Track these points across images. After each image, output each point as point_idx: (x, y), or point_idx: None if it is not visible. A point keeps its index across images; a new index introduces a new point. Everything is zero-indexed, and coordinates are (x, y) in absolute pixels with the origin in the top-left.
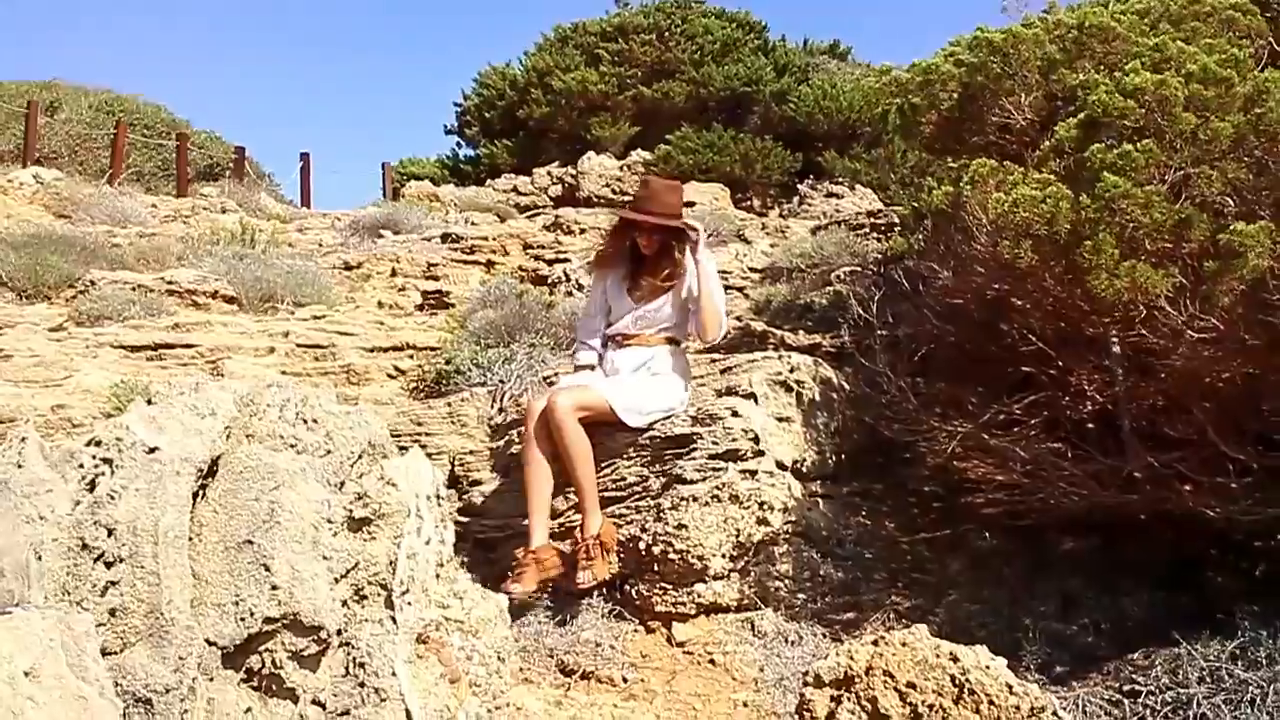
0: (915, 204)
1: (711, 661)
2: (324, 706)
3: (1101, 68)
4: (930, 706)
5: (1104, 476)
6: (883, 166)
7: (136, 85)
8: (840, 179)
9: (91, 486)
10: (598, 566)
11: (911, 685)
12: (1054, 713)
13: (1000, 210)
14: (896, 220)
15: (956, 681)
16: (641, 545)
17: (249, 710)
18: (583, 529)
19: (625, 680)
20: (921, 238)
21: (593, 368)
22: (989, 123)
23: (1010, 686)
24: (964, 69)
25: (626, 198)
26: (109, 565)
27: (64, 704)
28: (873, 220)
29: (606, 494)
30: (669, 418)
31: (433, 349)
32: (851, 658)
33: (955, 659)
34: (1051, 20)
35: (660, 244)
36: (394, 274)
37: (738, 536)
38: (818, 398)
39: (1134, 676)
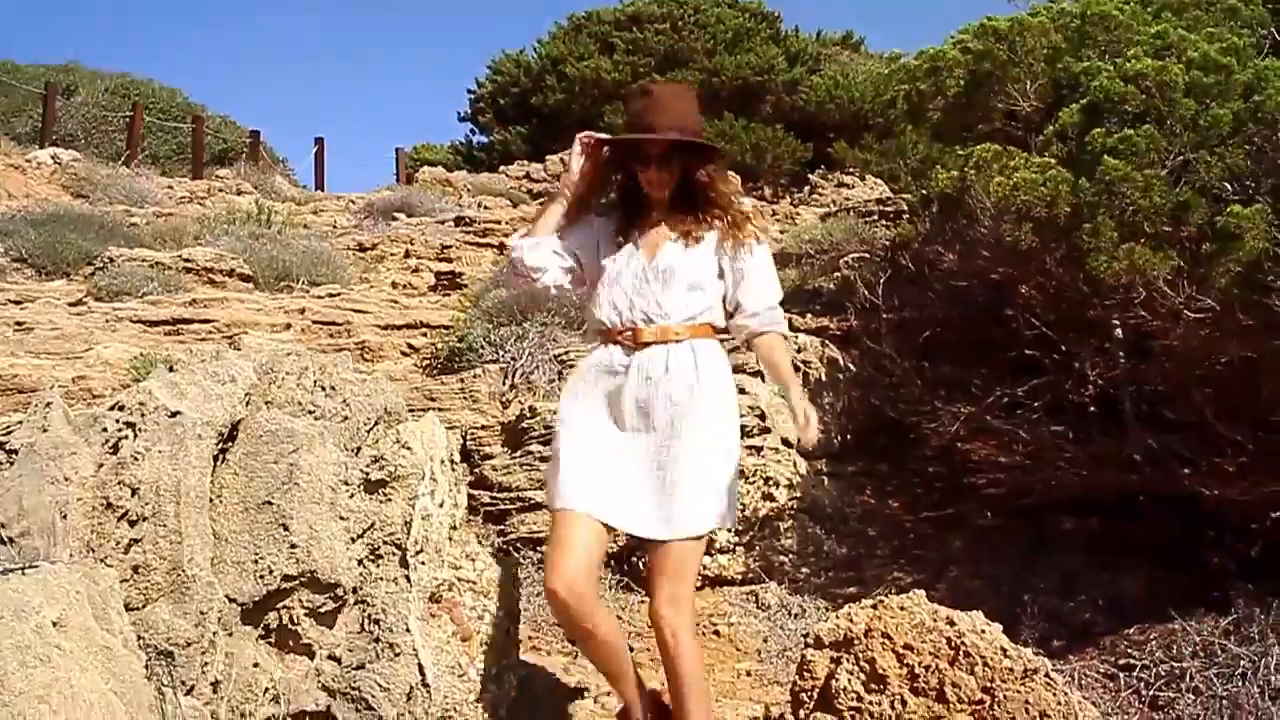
0: (923, 191)
1: (716, 632)
2: (339, 661)
3: (1105, 55)
4: (926, 667)
5: (1104, 458)
6: (893, 155)
7: (152, 69)
8: (851, 169)
9: (115, 449)
10: None
11: (909, 647)
12: (1047, 674)
13: (1002, 193)
14: (905, 207)
15: (953, 644)
16: None
17: (262, 665)
18: None
19: (631, 649)
20: (928, 223)
21: (536, 275)
22: (995, 109)
23: (1005, 650)
24: (970, 56)
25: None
26: (132, 524)
27: (89, 654)
28: (882, 208)
29: None
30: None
31: (446, 327)
32: (851, 620)
33: (951, 623)
34: (1056, 9)
35: (678, 176)
36: (408, 255)
37: (743, 511)
38: (824, 378)
39: (1129, 651)
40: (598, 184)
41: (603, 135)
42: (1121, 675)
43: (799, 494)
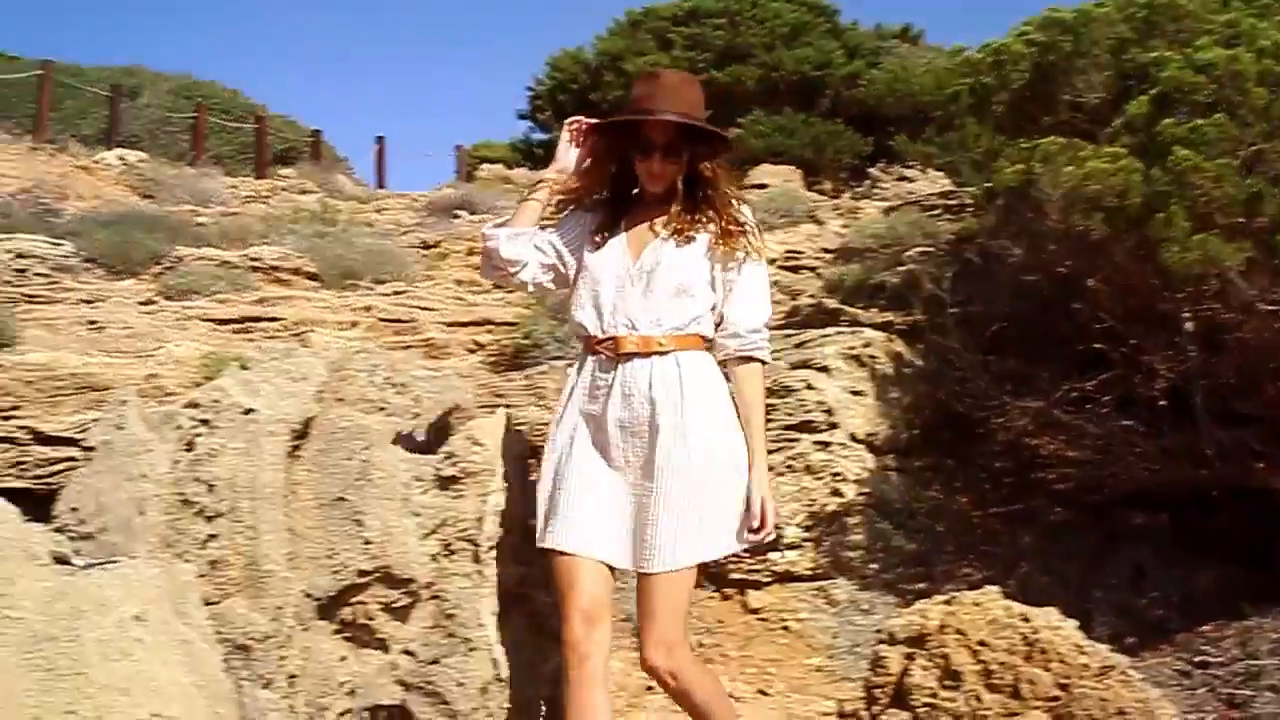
0: (987, 184)
1: (785, 628)
2: (414, 656)
3: (1173, 45)
4: (1001, 664)
5: (1175, 452)
6: (954, 149)
7: (213, 71)
8: (912, 163)
9: (190, 446)
10: None
11: (983, 643)
12: (1123, 671)
13: (1072, 183)
14: (968, 200)
15: (1027, 640)
16: None
17: (343, 659)
18: None
19: (701, 645)
20: (994, 216)
21: (513, 268)
22: (1060, 101)
23: (1080, 646)
24: (1035, 49)
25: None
26: (209, 520)
27: (169, 648)
28: (945, 201)
29: None
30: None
31: (511, 324)
32: (925, 616)
33: (1026, 619)
34: None
35: (684, 169)
36: (471, 252)
37: (811, 506)
38: (890, 373)
39: (1204, 648)
40: (594, 174)
41: (596, 120)
42: (1197, 673)
43: (867, 489)
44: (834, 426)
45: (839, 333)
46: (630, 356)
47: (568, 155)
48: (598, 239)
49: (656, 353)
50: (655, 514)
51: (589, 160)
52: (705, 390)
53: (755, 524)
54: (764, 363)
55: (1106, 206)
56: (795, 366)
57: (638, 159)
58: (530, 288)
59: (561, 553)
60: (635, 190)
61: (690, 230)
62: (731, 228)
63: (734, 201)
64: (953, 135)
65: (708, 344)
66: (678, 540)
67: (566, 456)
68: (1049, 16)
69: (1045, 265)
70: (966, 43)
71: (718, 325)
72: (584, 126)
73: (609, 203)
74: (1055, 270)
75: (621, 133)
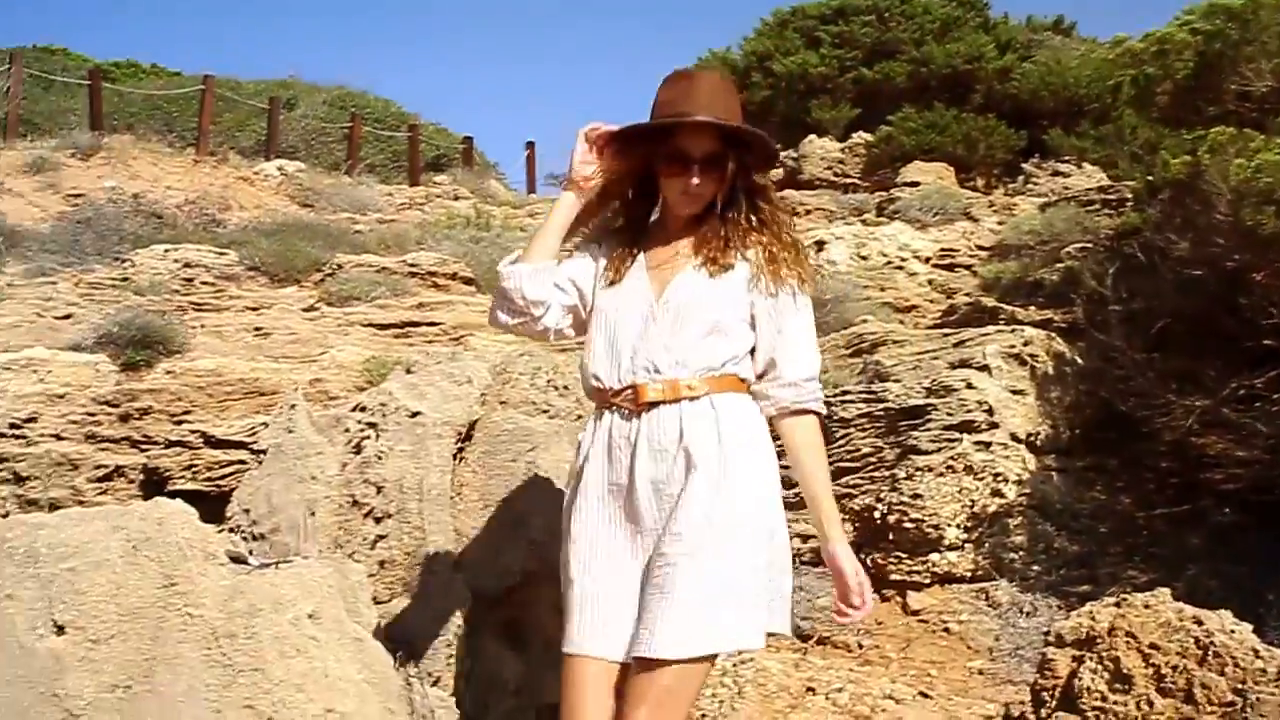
0: (1149, 177)
1: (946, 630)
2: None
3: None
4: (1174, 668)
5: None
6: (1112, 142)
7: (366, 81)
8: (1066, 157)
9: (358, 449)
10: None
11: (1154, 646)
12: None
13: (1242, 176)
14: (1128, 195)
15: (1200, 644)
16: (876, 515)
17: (508, 657)
18: None
19: (860, 646)
20: (1157, 210)
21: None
22: (1226, 91)
23: (1256, 650)
24: (1200, 37)
25: (846, 178)
26: (377, 521)
27: (341, 645)
28: (1103, 196)
29: (841, 464)
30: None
31: None
32: (1093, 618)
33: (1199, 622)
34: None
35: (727, 185)
36: None
37: (972, 507)
38: (1051, 371)
39: None
40: (614, 194)
41: (618, 125)
42: None
43: (1028, 490)
44: (994, 426)
45: (998, 331)
46: (655, 405)
47: (584, 171)
48: (612, 273)
49: (686, 398)
50: (676, 585)
51: (608, 177)
52: (748, 440)
53: (856, 601)
54: (820, 415)
55: (1278, 200)
56: (955, 366)
57: (668, 175)
58: (551, 336)
59: (575, 655)
60: (657, 213)
61: (726, 258)
62: (778, 251)
63: (783, 218)
64: (1108, 128)
65: (745, 386)
66: (696, 624)
67: (591, 544)
68: (1214, 4)
69: (1212, 260)
70: (1122, 34)
71: (764, 373)
72: (603, 137)
73: (625, 228)
74: (1222, 265)
75: (646, 144)
